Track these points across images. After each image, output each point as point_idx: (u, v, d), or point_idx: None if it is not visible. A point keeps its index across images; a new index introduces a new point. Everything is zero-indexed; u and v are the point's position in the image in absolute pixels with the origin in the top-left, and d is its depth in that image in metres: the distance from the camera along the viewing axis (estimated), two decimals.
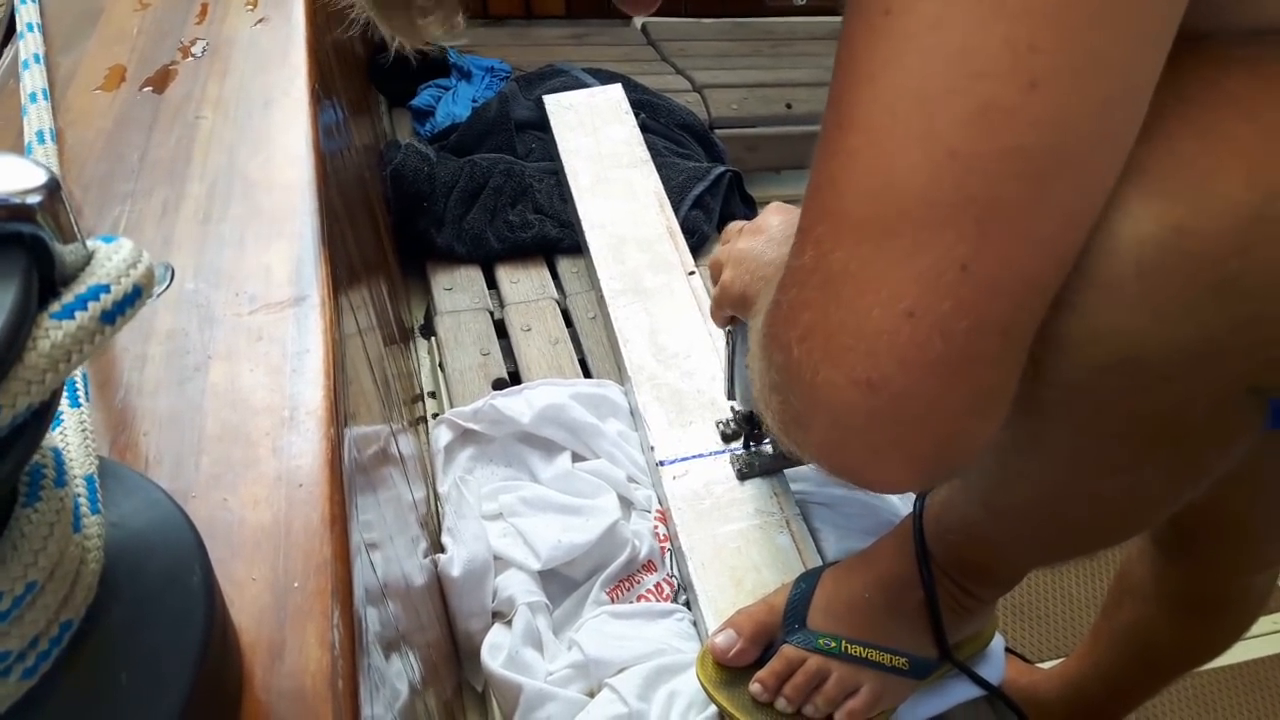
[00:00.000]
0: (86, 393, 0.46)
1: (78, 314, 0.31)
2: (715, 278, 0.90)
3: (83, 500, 0.39)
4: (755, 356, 0.55)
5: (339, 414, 0.55)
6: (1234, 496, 0.80)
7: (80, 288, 0.31)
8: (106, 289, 0.32)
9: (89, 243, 0.34)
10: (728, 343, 0.98)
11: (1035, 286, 0.44)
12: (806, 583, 0.85)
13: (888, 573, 0.81)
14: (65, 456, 0.41)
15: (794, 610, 0.83)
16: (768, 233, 0.85)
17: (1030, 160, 0.41)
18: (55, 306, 0.31)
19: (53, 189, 0.31)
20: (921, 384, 0.45)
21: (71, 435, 0.42)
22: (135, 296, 0.33)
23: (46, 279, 0.31)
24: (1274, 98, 0.44)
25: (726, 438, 1.08)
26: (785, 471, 1.05)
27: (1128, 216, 0.44)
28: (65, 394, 0.45)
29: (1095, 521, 0.64)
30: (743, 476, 1.04)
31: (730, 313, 0.89)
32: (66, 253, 0.32)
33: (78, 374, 0.47)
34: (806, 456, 0.52)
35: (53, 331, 0.30)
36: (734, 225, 0.92)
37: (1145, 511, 0.62)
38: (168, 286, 0.52)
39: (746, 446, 1.05)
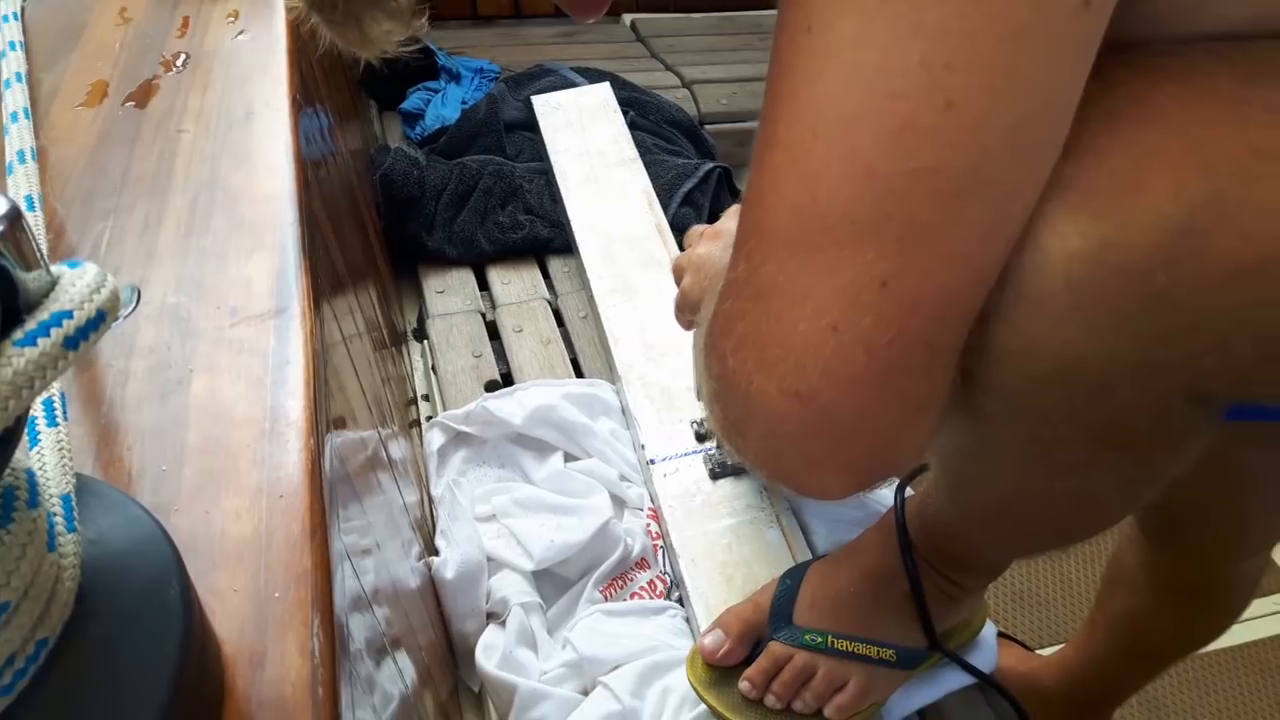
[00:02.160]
0: (64, 412, 0.47)
1: (40, 340, 0.31)
2: (678, 281, 0.91)
3: (59, 519, 0.40)
4: (697, 364, 0.56)
5: (319, 424, 0.56)
6: (1215, 485, 0.80)
7: (43, 314, 0.32)
8: (69, 315, 0.32)
9: (53, 269, 0.34)
10: (694, 344, 0.98)
11: (956, 302, 0.45)
12: (792, 579, 0.86)
13: (872, 565, 0.82)
14: (42, 476, 0.42)
15: (780, 607, 0.84)
16: (724, 238, 0.85)
17: (948, 179, 0.42)
18: (18, 334, 0.31)
19: (13, 218, 0.31)
20: (848, 396, 0.45)
21: (49, 454, 0.43)
22: (99, 321, 0.34)
23: (10, 307, 0.32)
24: (1204, 111, 0.44)
25: (700, 437, 1.09)
26: None
27: (1055, 232, 0.44)
28: (43, 413, 0.46)
29: (1056, 520, 0.65)
30: (715, 476, 1.04)
31: (690, 317, 0.90)
32: (29, 280, 0.32)
33: (56, 393, 0.47)
34: (748, 464, 0.53)
35: (15, 359, 0.30)
36: (696, 229, 0.92)
37: (1104, 510, 0.63)
38: (134, 309, 0.53)
39: (720, 446, 1.06)
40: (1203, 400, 0.51)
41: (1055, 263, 0.44)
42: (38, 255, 0.33)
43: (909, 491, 0.83)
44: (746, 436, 0.50)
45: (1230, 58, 0.45)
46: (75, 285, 0.34)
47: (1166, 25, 0.46)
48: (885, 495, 1.08)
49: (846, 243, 0.43)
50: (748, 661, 0.85)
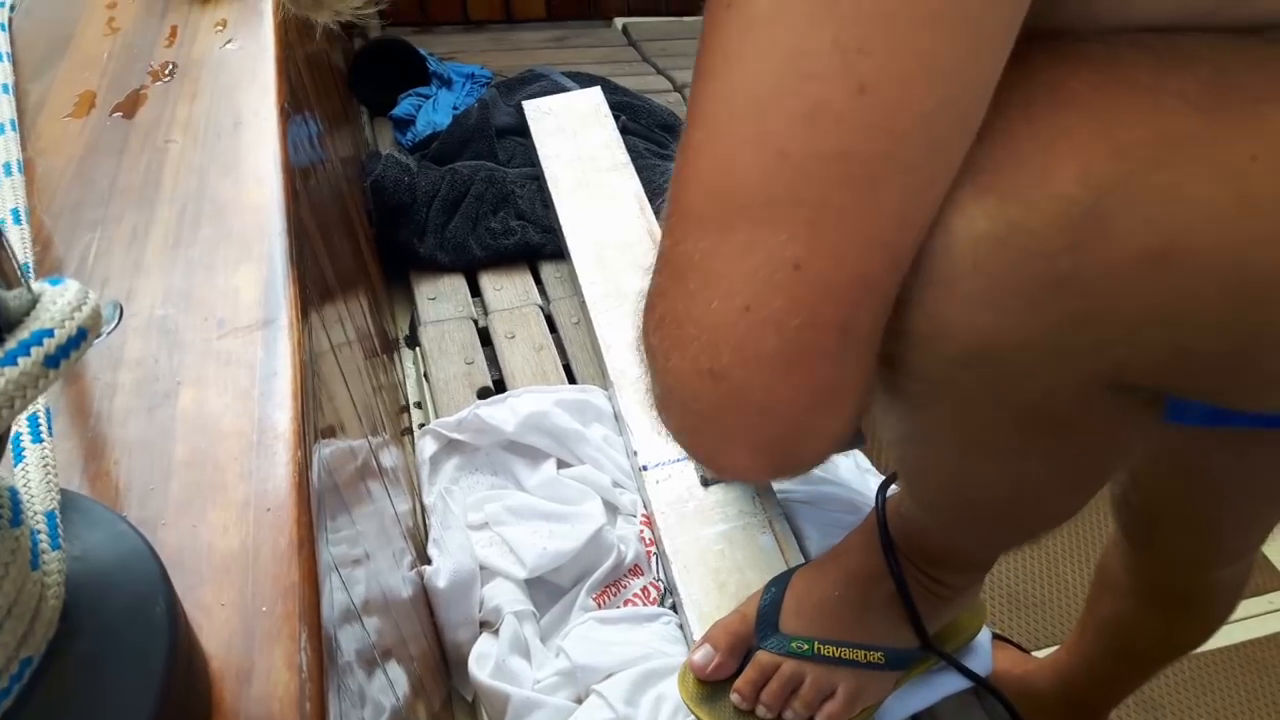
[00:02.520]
0: (49, 427, 0.47)
1: (20, 360, 0.31)
2: None
3: (43, 536, 0.40)
4: (633, 344, 0.56)
5: (307, 436, 0.55)
6: (1188, 490, 0.80)
7: (24, 333, 0.32)
8: (50, 333, 0.32)
9: (35, 286, 0.34)
10: None
11: (870, 287, 0.45)
12: (777, 587, 0.86)
13: (856, 568, 0.82)
14: (26, 493, 0.41)
15: (766, 615, 0.84)
16: None
17: (860, 165, 0.42)
18: None
19: None
20: (759, 377, 0.45)
21: (33, 471, 0.43)
22: (80, 339, 0.33)
23: None
24: (1118, 98, 0.44)
25: None
26: None
27: (963, 215, 0.44)
28: (28, 429, 0.45)
29: (1007, 510, 0.65)
30: (706, 483, 1.04)
31: None
32: (10, 298, 0.32)
33: (41, 409, 0.47)
34: (673, 441, 0.53)
35: None
36: None
37: (1053, 500, 0.63)
38: (116, 325, 0.53)
39: None
40: (1130, 390, 0.51)
41: (963, 245, 0.44)
42: (18, 273, 0.33)
43: (891, 490, 0.83)
44: (669, 413, 0.51)
45: (1153, 48, 0.45)
46: (56, 303, 0.33)
47: (1098, 18, 0.46)
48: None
49: (760, 224, 0.43)
50: (739, 673, 0.85)
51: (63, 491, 0.44)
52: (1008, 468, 0.58)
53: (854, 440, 1.01)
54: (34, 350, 0.32)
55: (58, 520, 0.41)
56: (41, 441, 0.45)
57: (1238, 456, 0.75)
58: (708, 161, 0.45)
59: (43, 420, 0.46)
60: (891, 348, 0.49)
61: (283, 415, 0.56)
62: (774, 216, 0.43)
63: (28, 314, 0.33)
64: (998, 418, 0.53)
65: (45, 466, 0.43)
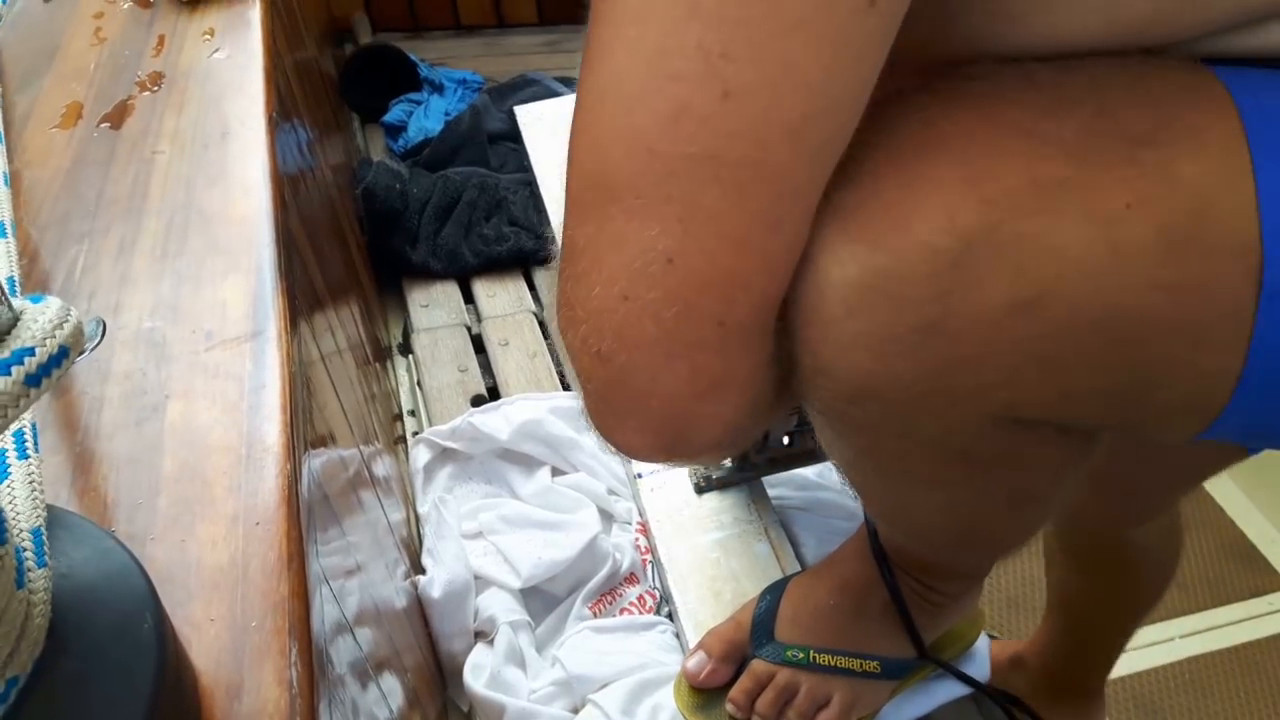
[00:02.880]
0: (35, 444, 0.46)
1: (1, 379, 0.31)
2: None
3: (28, 554, 0.39)
4: None
5: (296, 448, 0.55)
6: (1108, 451, 0.80)
7: (4, 352, 0.32)
8: (31, 352, 0.32)
9: (16, 303, 0.34)
10: None
11: (744, 285, 0.44)
12: (772, 595, 0.85)
13: (851, 576, 0.81)
14: (11, 511, 0.41)
15: (761, 624, 0.83)
16: None
17: (727, 169, 0.41)
18: None
19: None
20: (641, 361, 0.45)
21: (19, 488, 0.42)
22: (62, 357, 0.33)
23: None
24: (991, 142, 0.43)
25: None
26: (764, 479, 1.05)
27: (835, 260, 0.44)
28: (13, 446, 0.45)
29: (950, 531, 0.65)
30: (700, 490, 1.04)
31: None
32: None
33: (27, 425, 0.47)
34: (584, 420, 0.54)
35: None
36: None
37: (997, 521, 0.63)
38: (99, 342, 0.52)
39: None
40: (1035, 424, 0.50)
41: (836, 289, 0.44)
42: (0, 291, 0.32)
43: None
44: (578, 390, 0.51)
45: (1037, 82, 0.44)
46: (38, 321, 0.33)
47: (991, 41, 0.46)
48: None
49: (633, 215, 0.43)
50: (735, 681, 0.84)
51: (49, 508, 0.43)
52: (935, 496, 0.58)
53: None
54: (14, 369, 0.31)
55: (44, 537, 0.41)
56: (27, 458, 0.44)
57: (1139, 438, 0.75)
58: (586, 149, 0.44)
59: (29, 436, 0.46)
60: (794, 381, 0.49)
61: (271, 428, 0.56)
62: (646, 210, 0.42)
63: (8, 332, 0.33)
64: (906, 448, 0.53)
65: (31, 483, 0.43)
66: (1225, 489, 1.88)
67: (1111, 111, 0.44)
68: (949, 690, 0.92)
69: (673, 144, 0.41)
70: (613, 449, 0.53)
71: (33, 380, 0.32)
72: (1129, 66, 0.46)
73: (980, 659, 0.94)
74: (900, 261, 0.43)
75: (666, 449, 0.50)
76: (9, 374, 0.31)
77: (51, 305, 0.34)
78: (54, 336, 0.33)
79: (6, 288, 0.32)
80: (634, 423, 0.49)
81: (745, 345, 0.46)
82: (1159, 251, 0.43)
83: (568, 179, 0.46)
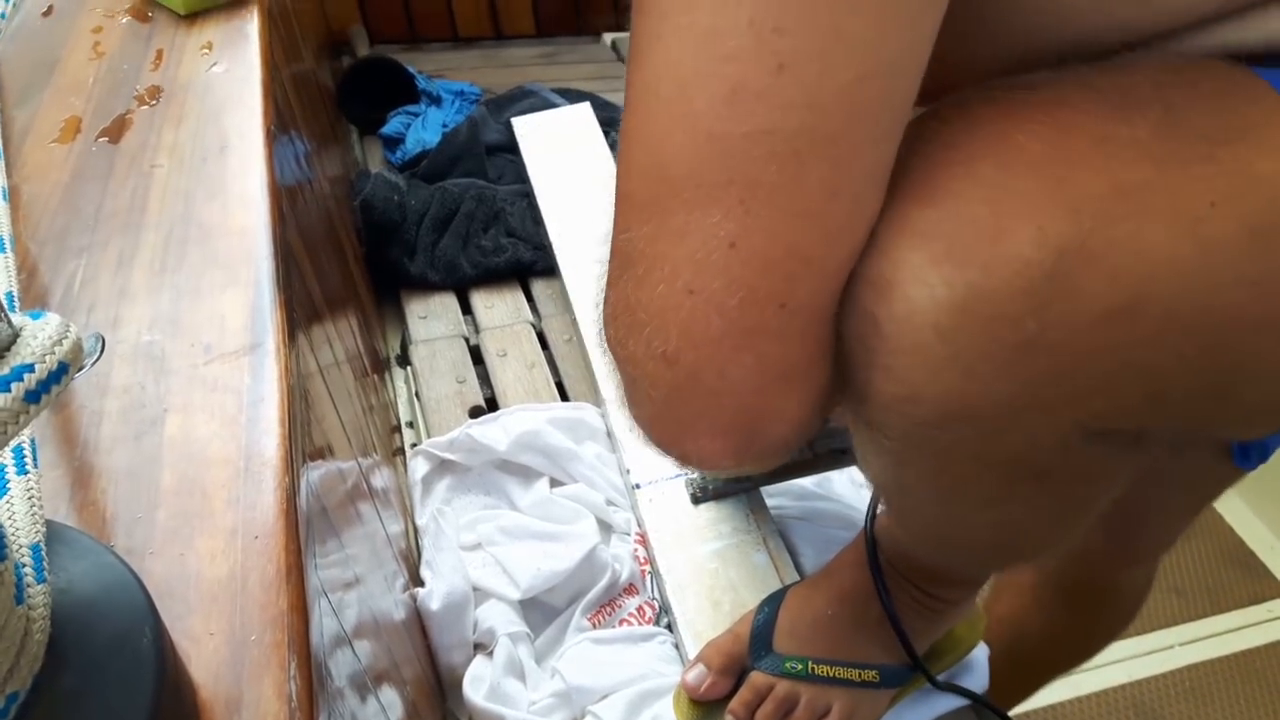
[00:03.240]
0: (35, 459, 0.46)
1: (0, 396, 0.31)
2: None
3: (28, 570, 0.39)
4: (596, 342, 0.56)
5: (294, 461, 0.55)
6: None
7: (3, 369, 0.32)
8: (30, 368, 0.32)
9: (15, 319, 0.34)
10: None
11: (805, 259, 0.44)
12: (770, 606, 0.85)
13: (849, 586, 0.82)
14: (11, 526, 0.41)
15: (759, 636, 0.84)
16: None
17: (784, 142, 0.41)
18: None
19: None
20: (709, 358, 0.46)
21: (18, 503, 0.43)
22: (61, 373, 0.33)
23: None
24: (1067, 150, 0.43)
25: None
26: (762, 489, 1.05)
27: (922, 282, 0.44)
28: (12, 461, 0.45)
29: (995, 546, 0.65)
30: (696, 500, 1.04)
31: None
32: None
33: (26, 440, 0.47)
34: (642, 438, 0.54)
35: None
36: None
37: (1039, 537, 0.63)
38: (99, 358, 0.52)
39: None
40: (1107, 435, 0.51)
41: (925, 313, 0.44)
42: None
43: (881, 506, 0.82)
44: (636, 405, 0.51)
45: (1099, 88, 0.45)
46: (37, 338, 0.33)
47: (1045, 32, 0.46)
48: None
49: (694, 206, 0.43)
50: (734, 693, 0.84)
51: (48, 523, 0.43)
52: (990, 514, 0.58)
53: (844, 456, 1.01)
54: (14, 386, 0.32)
55: (43, 553, 0.41)
56: (27, 473, 0.44)
57: (1177, 452, 0.75)
58: (641, 147, 0.45)
59: (28, 451, 0.46)
60: (866, 410, 0.49)
61: (270, 441, 0.56)
62: (706, 197, 0.43)
63: (8, 349, 0.33)
64: (978, 470, 0.53)
65: (30, 498, 0.43)
66: (1225, 497, 1.88)
67: (1179, 111, 0.44)
68: (949, 700, 0.92)
69: (730, 124, 0.41)
70: (679, 460, 0.53)
71: (32, 397, 0.32)
72: (1177, 66, 0.46)
73: (979, 669, 0.94)
74: (993, 278, 0.43)
75: (737, 450, 0.50)
76: (9, 390, 0.31)
77: (51, 321, 0.34)
78: (53, 353, 0.33)
79: (5, 304, 0.33)
80: (705, 425, 0.48)
81: (806, 332, 0.47)
82: (1245, 247, 0.44)
83: (620, 183, 0.47)
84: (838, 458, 1.03)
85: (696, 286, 0.44)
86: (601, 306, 0.52)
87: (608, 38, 2.26)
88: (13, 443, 0.45)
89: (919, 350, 0.45)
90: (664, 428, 0.50)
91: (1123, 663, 1.64)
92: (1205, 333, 0.45)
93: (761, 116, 0.41)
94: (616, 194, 0.48)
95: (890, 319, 0.45)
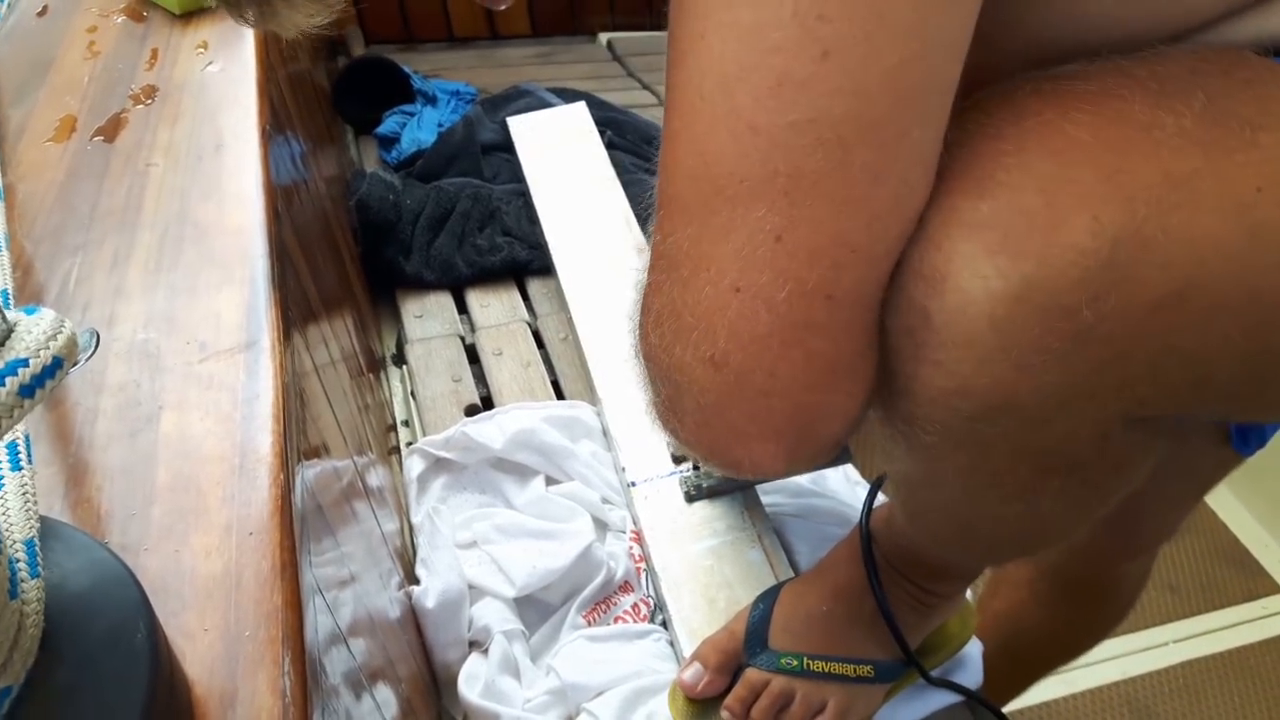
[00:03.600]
0: (29, 455, 0.46)
1: None
2: None
3: (21, 565, 0.40)
4: (630, 355, 0.56)
5: (289, 459, 0.55)
6: None
7: None
8: (25, 363, 0.32)
9: (10, 315, 0.34)
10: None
11: (851, 247, 0.44)
12: (765, 603, 0.85)
13: (843, 582, 0.82)
14: (4, 521, 0.41)
15: (754, 632, 0.84)
16: None
17: (829, 129, 0.42)
18: None
19: None
20: (758, 357, 0.46)
21: (12, 499, 0.43)
22: (56, 368, 0.33)
23: None
24: (1117, 139, 0.44)
25: (676, 459, 1.08)
26: (758, 486, 1.05)
27: (976, 274, 0.44)
28: (6, 457, 0.45)
29: (1013, 538, 0.66)
30: (690, 498, 1.04)
31: None
32: None
33: (20, 436, 0.47)
34: (686, 449, 0.53)
35: None
36: None
37: (1059, 528, 0.63)
38: (93, 353, 0.53)
39: (696, 467, 1.06)
40: (1143, 422, 0.51)
41: (979, 305, 0.44)
42: None
43: (879, 500, 0.82)
44: (680, 415, 0.51)
45: (1139, 78, 0.45)
46: (31, 333, 0.34)
47: (1080, 23, 0.47)
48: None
49: (738, 202, 0.43)
50: (730, 690, 0.85)
51: (42, 519, 0.44)
52: (1018, 507, 0.58)
53: (841, 456, 1.01)
54: (9, 380, 0.32)
55: (37, 548, 0.41)
56: (21, 469, 0.44)
57: (1177, 440, 0.75)
58: (684, 148, 0.45)
59: (22, 448, 0.46)
60: (908, 405, 0.49)
61: (265, 438, 0.56)
62: (751, 192, 0.43)
63: (2, 344, 0.33)
64: (1014, 464, 0.53)
65: (24, 494, 0.43)
66: (1218, 494, 1.89)
67: (1219, 99, 0.45)
68: (943, 696, 0.92)
69: (774, 115, 0.42)
70: (728, 468, 0.52)
71: (26, 391, 0.32)
72: (1207, 55, 0.47)
73: (973, 664, 0.94)
74: (1049, 268, 0.43)
75: (790, 452, 0.50)
76: (3, 385, 0.31)
77: (45, 317, 0.34)
78: (48, 348, 0.33)
79: (0, 300, 0.33)
80: (756, 429, 0.49)
81: (853, 323, 0.47)
82: None
83: (663, 187, 0.47)
84: (840, 456, 1.03)
85: (743, 283, 0.44)
86: (639, 316, 0.52)
87: (603, 37, 2.27)
88: (7, 438, 0.45)
89: (972, 343, 0.45)
90: (714, 435, 0.50)
91: (1117, 659, 1.64)
92: (1253, 317, 0.45)
93: (806, 105, 0.41)
94: (659, 199, 0.48)
95: (942, 311, 0.45)
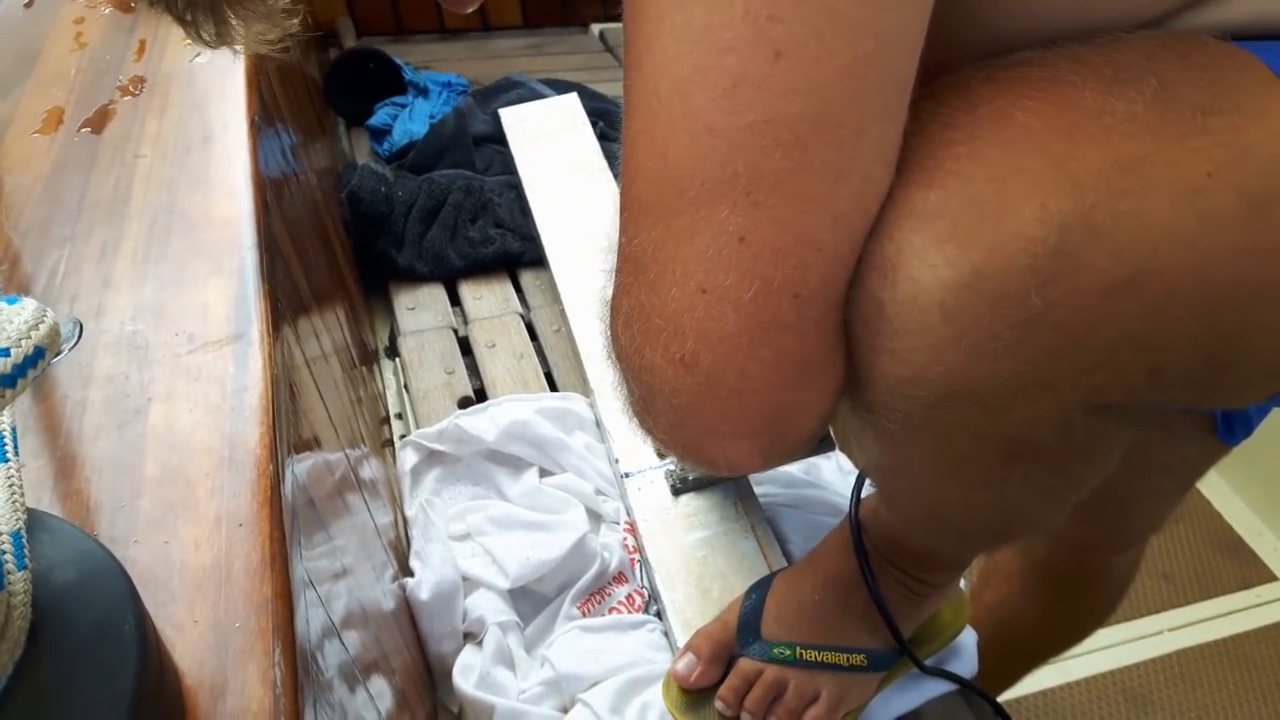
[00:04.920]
0: (15, 447, 0.46)
1: None
2: None
3: (8, 556, 0.39)
4: (603, 355, 0.56)
5: (278, 451, 0.55)
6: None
7: None
8: (6, 352, 0.32)
9: None
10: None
11: (815, 245, 0.44)
12: (757, 593, 0.85)
13: (834, 571, 0.82)
14: None
15: (747, 622, 0.84)
16: None
17: (786, 129, 0.42)
18: None
19: None
20: (727, 357, 0.46)
21: None
22: (38, 357, 0.33)
23: None
24: (1067, 126, 0.44)
25: (661, 454, 1.08)
26: (750, 476, 1.05)
27: (925, 263, 0.44)
28: None
29: (987, 527, 0.66)
30: (677, 492, 1.04)
31: None
32: None
33: (5, 428, 0.47)
34: (660, 446, 0.53)
35: None
36: None
37: (1031, 516, 0.63)
38: (76, 343, 0.52)
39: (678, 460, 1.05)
40: (1105, 410, 0.51)
41: (929, 294, 0.44)
42: None
43: (868, 489, 0.82)
44: (654, 415, 0.51)
45: (1092, 64, 0.45)
46: (13, 322, 0.33)
47: (1034, 16, 0.47)
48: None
49: (701, 203, 0.43)
50: (723, 680, 0.85)
51: (30, 511, 0.43)
52: (987, 494, 0.58)
53: (821, 444, 1.01)
54: None
55: (24, 540, 0.41)
56: (7, 461, 0.44)
57: (1162, 429, 0.75)
58: (645, 150, 0.45)
59: (8, 440, 0.46)
60: (868, 394, 0.49)
61: (253, 430, 0.56)
62: (713, 194, 0.43)
63: None
64: (977, 450, 0.53)
65: (11, 486, 0.43)
66: (1211, 482, 1.89)
67: (1172, 85, 0.44)
68: (937, 685, 0.92)
69: (731, 117, 0.42)
70: (704, 466, 0.52)
71: (8, 381, 0.32)
72: (1165, 40, 0.46)
73: (967, 654, 0.94)
74: (998, 256, 0.43)
75: (764, 449, 0.50)
76: None
77: (27, 306, 0.34)
78: (29, 337, 0.33)
79: None
80: (729, 429, 0.48)
81: (822, 320, 0.47)
82: (1242, 217, 0.44)
83: (626, 189, 0.47)
84: (825, 444, 1.03)
85: (709, 285, 0.44)
86: (609, 318, 0.52)
87: (595, 28, 2.26)
88: None
89: (923, 331, 0.45)
90: (688, 435, 0.50)
91: (1112, 649, 1.64)
92: (1206, 303, 0.45)
93: (762, 106, 0.41)
94: (622, 201, 0.47)
95: (894, 301, 0.45)
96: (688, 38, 0.41)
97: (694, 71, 0.42)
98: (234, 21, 0.57)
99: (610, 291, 0.51)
